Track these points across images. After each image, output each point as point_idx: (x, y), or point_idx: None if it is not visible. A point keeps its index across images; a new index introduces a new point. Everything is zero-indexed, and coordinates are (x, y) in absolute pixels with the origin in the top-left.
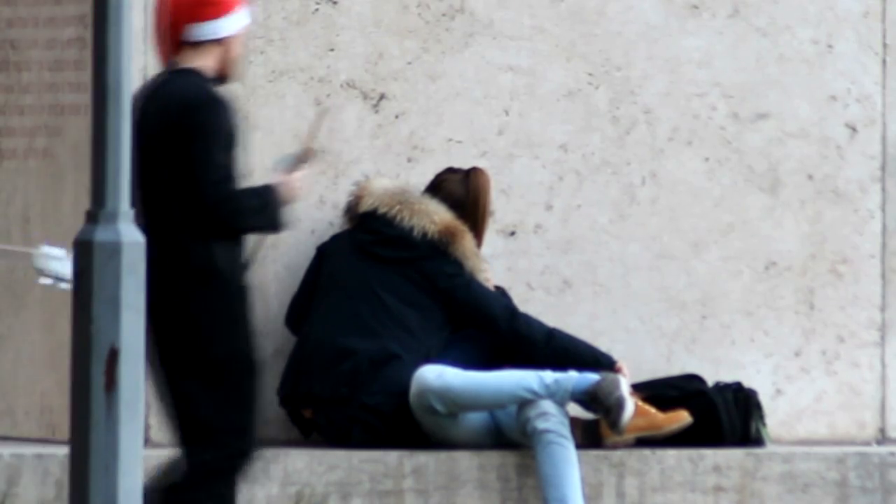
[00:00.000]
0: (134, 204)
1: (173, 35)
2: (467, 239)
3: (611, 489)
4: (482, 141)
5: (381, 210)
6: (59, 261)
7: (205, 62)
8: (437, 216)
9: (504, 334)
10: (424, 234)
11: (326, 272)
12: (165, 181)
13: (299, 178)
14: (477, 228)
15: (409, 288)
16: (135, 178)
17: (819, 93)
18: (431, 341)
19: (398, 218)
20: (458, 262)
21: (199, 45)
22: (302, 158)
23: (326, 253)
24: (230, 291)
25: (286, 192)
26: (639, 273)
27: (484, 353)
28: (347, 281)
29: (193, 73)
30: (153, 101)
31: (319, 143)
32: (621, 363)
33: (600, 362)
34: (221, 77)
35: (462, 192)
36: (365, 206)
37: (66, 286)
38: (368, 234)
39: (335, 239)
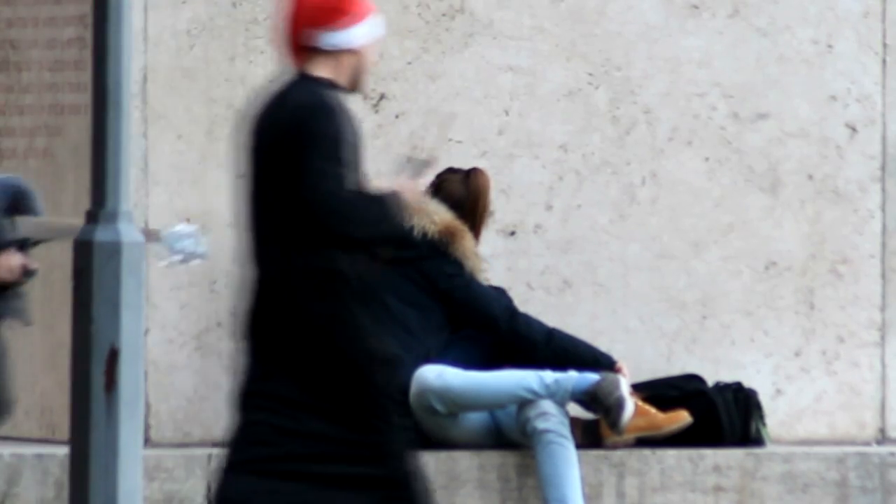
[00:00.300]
0: (249, 210)
1: (303, 41)
2: (467, 239)
3: (611, 489)
4: (482, 141)
5: None
6: (190, 238)
7: (333, 70)
8: (437, 216)
9: (504, 334)
10: (424, 234)
11: None
12: (280, 188)
13: (417, 184)
14: (475, 228)
15: (409, 288)
16: (250, 183)
17: (819, 93)
18: (431, 341)
19: None
20: (458, 262)
21: (329, 52)
22: (426, 164)
23: None
24: (351, 295)
25: (404, 197)
26: (639, 273)
27: (484, 353)
28: None
29: (314, 80)
30: (271, 108)
31: (437, 149)
32: (621, 363)
33: (600, 362)
34: (350, 87)
35: (462, 192)
36: None
37: (197, 262)
38: None
39: None
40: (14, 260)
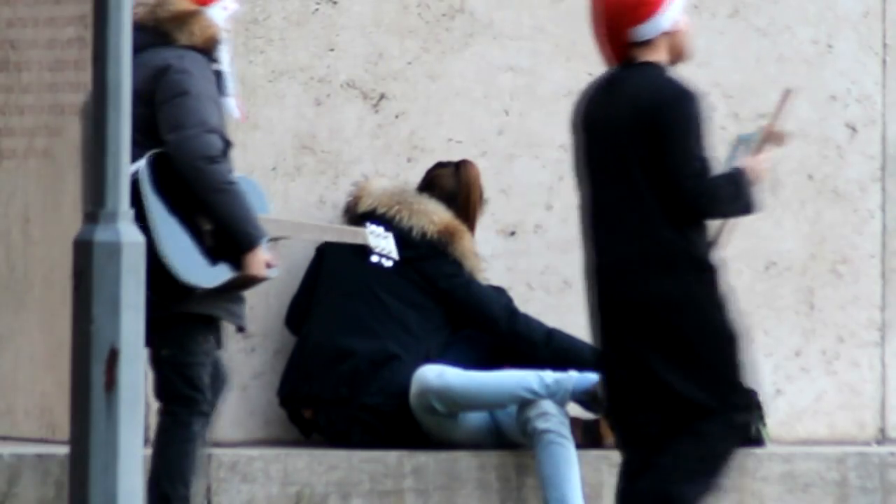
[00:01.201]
0: (589, 197)
1: (620, 39)
2: (466, 239)
3: (611, 489)
4: (482, 141)
5: (380, 210)
6: (385, 238)
7: (658, 55)
8: (436, 216)
9: (504, 334)
10: (423, 235)
11: (326, 272)
12: (637, 173)
13: (765, 159)
14: (471, 220)
15: (408, 288)
16: (590, 170)
17: (819, 93)
18: (431, 341)
19: (397, 218)
20: (457, 262)
21: (649, 41)
22: (766, 139)
23: (326, 253)
24: (707, 273)
25: (753, 174)
26: None
27: (484, 353)
28: (347, 281)
29: (655, 67)
30: (616, 97)
31: (783, 125)
32: None
33: None
34: (675, 62)
35: (454, 185)
36: (364, 206)
37: (390, 262)
38: None
39: None
40: (264, 256)
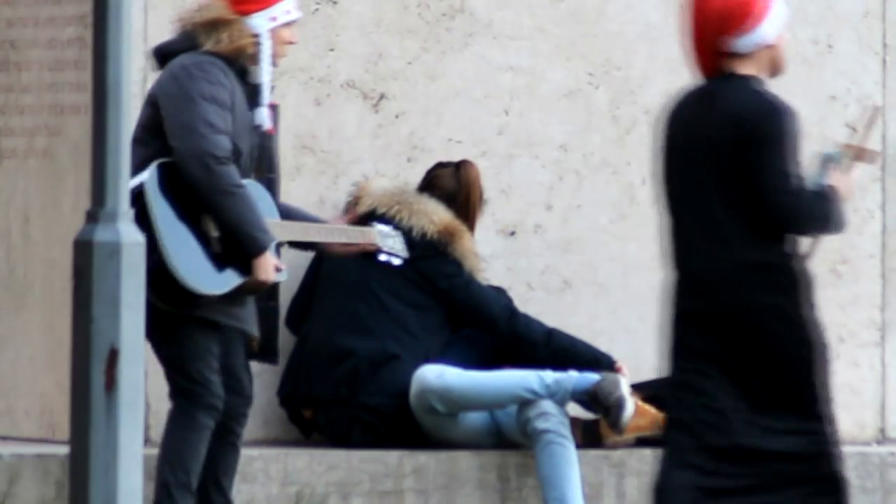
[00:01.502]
0: (674, 210)
1: (716, 48)
2: (466, 239)
3: (611, 489)
4: (482, 141)
5: (380, 210)
6: (393, 238)
7: (753, 68)
8: (436, 216)
9: (503, 334)
10: (423, 235)
11: (326, 273)
12: (730, 187)
13: (854, 178)
14: (470, 220)
15: (408, 288)
16: (675, 184)
17: (819, 93)
18: (431, 341)
19: (397, 218)
20: (457, 262)
21: (746, 53)
22: (855, 157)
23: (326, 253)
24: (798, 287)
25: (843, 192)
26: (639, 273)
27: (484, 353)
28: (347, 281)
29: (750, 80)
30: (710, 111)
31: (870, 142)
32: (621, 363)
33: (600, 362)
34: (771, 76)
35: (454, 185)
36: (364, 206)
37: (399, 261)
38: None
39: None
40: (273, 260)
